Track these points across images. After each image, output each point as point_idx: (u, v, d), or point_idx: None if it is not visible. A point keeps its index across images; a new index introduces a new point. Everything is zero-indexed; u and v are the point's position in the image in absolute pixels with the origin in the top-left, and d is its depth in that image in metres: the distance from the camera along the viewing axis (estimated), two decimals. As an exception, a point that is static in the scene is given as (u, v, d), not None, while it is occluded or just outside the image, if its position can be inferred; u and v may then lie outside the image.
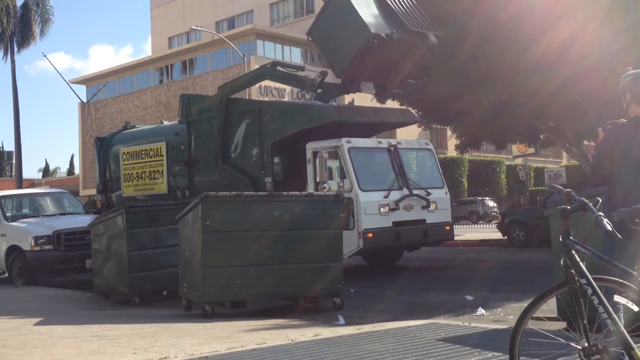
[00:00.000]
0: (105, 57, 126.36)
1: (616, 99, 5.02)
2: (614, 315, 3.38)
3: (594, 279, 3.46)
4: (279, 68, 13.94)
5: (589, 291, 3.43)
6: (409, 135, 28.45)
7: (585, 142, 21.89)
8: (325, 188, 11.91)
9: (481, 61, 15.81)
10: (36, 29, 39.09)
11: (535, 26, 14.81)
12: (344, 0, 12.05)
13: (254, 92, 32.54)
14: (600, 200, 3.87)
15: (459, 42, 15.73)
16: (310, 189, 12.27)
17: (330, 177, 12.53)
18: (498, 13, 15.27)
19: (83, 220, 13.24)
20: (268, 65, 14.13)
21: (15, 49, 39.22)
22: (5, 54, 39.05)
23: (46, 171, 77.03)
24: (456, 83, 17.04)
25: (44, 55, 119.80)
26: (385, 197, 12.23)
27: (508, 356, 3.63)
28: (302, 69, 13.97)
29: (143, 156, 16.25)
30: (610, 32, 14.00)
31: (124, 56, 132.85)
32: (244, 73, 14.49)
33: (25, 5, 39.25)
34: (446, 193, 13.51)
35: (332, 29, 12.56)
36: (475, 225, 30.73)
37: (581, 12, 14.10)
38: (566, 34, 14.29)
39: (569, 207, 3.60)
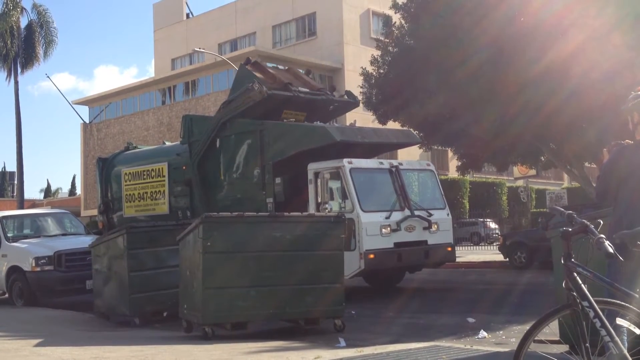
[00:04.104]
0: (110, 78, 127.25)
1: (617, 120, 5.03)
2: (617, 338, 3.36)
3: (596, 301, 3.44)
4: (230, 105, 14.08)
5: (591, 314, 3.41)
6: (410, 156, 28.47)
7: (587, 164, 21.89)
8: (326, 209, 11.90)
9: (482, 81, 15.87)
10: (40, 50, 39.26)
11: (536, 46, 14.90)
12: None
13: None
14: (601, 222, 3.86)
15: (460, 62, 15.82)
16: (312, 209, 12.27)
17: (332, 198, 12.54)
18: (498, 34, 15.38)
19: (84, 241, 13.21)
20: (221, 108, 14.32)
21: (19, 70, 39.33)
22: (9, 75, 39.15)
23: (48, 191, 77.14)
24: (457, 103, 17.10)
25: (47, 76, 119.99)
26: (387, 218, 12.21)
27: (510, 379, 3.60)
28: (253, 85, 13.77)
29: (145, 177, 16.27)
30: (610, 52, 14.06)
31: (128, 77, 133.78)
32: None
33: (29, 27, 39.48)
34: (448, 214, 13.49)
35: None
36: (477, 247, 30.63)
37: (582, 33, 14.18)
38: (567, 54, 14.36)
39: (570, 229, 3.59)
